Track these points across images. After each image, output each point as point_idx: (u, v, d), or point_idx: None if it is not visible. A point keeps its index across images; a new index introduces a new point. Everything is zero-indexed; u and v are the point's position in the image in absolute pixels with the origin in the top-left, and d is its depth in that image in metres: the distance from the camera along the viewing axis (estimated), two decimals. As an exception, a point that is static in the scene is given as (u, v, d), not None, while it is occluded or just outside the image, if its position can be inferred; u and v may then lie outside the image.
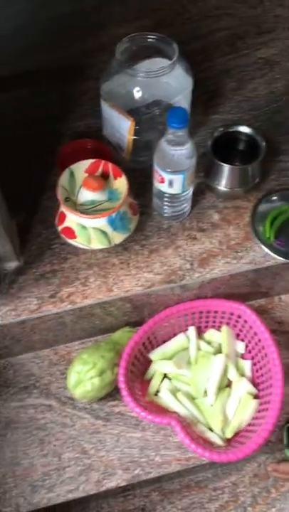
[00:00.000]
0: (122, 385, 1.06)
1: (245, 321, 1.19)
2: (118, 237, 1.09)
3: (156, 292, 1.12)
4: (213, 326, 1.24)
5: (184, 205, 1.15)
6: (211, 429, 1.10)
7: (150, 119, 1.18)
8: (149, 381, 1.17)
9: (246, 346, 1.21)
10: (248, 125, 1.18)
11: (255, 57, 1.51)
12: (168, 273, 1.12)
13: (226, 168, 1.13)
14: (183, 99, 1.20)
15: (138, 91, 1.12)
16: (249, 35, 1.57)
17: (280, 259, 1.12)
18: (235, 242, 1.16)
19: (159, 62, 1.13)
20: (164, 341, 1.20)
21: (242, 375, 1.17)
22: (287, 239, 1.16)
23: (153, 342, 1.18)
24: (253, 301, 1.30)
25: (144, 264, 1.13)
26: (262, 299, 1.30)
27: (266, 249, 1.13)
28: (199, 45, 1.53)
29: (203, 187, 1.23)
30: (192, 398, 1.14)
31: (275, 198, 1.20)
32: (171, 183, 1.06)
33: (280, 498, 1.25)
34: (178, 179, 1.05)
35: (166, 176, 1.04)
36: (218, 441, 1.07)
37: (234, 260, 1.13)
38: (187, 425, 1.07)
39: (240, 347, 1.21)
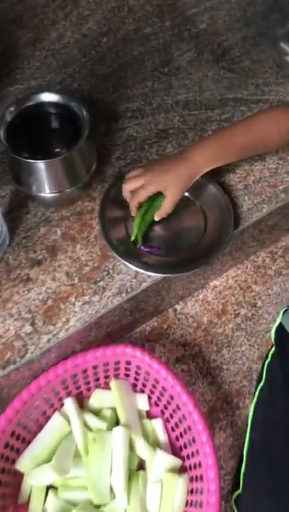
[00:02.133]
0: None
1: (139, 367, 0.83)
2: None
3: (-7, 382, 0.71)
4: (98, 385, 0.86)
5: (-3, 235, 0.74)
6: None
7: None
8: (27, 504, 0.77)
9: (149, 397, 0.85)
10: (58, 91, 0.78)
11: (49, -7, 1.09)
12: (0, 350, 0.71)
13: (40, 165, 0.72)
14: None
15: None
16: None
17: (158, 276, 0.76)
18: (90, 268, 0.77)
19: None
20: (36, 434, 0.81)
21: (155, 444, 0.82)
22: (160, 240, 0.79)
23: (17, 445, 0.78)
24: (144, 326, 0.94)
25: None
26: (153, 319, 0.94)
27: (134, 267, 0.75)
28: None
29: (20, 197, 0.81)
30: (96, 508, 0.77)
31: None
32: None
33: None
34: None
35: None
36: None
37: (95, 296, 0.75)
38: None
39: (142, 402, 0.86)
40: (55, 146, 0.81)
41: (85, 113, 0.73)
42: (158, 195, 0.82)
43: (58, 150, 0.80)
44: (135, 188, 0.75)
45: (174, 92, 0.96)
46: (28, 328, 0.72)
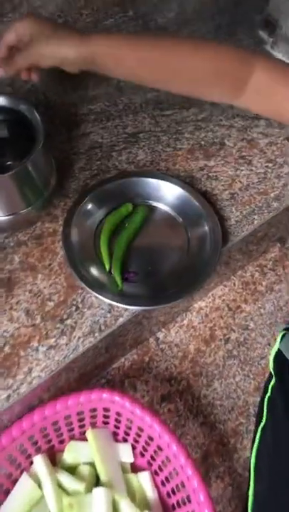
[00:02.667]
0: None
1: (119, 414, 0.71)
2: None
3: None
4: (72, 437, 0.74)
5: None
6: None
7: None
8: None
9: (134, 447, 0.73)
10: (4, 92, 0.64)
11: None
12: None
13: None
14: None
15: None
16: None
17: (136, 309, 0.63)
18: (55, 303, 0.64)
19: None
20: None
21: (143, 504, 0.69)
22: (138, 264, 0.67)
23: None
24: (122, 360, 0.81)
25: None
26: (132, 352, 0.82)
27: (108, 300, 0.63)
28: None
29: None
30: None
31: (94, 201, 0.70)
32: None
33: None
34: None
35: None
36: None
37: (63, 338, 0.62)
38: None
39: (126, 453, 0.73)
40: (5, 160, 0.68)
41: (37, 117, 0.60)
42: (134, 212, 0.70)
43: (9, 163, 0.67)
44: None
45: (143, 90, 0.84)
46: (-19, 384, 0.59)
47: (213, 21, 0.93)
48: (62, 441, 0.73)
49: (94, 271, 0.66)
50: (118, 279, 0.64)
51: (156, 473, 0.72)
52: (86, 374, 0.74)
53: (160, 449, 0.68)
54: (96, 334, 0.62)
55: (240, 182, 0.76)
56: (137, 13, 0.93)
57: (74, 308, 0.64)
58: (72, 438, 0.74)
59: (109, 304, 0.64)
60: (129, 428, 0.72)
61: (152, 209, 0.72)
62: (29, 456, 0.70)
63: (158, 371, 0.81)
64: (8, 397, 0.59)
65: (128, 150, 0.77)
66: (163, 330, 0.85)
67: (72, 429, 0.73)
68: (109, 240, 0.68)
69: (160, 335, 0.84)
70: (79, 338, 0.62)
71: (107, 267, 0.66)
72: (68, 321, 0.63)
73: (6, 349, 0.61)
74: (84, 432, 0.73)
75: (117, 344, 0.74)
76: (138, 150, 0.77)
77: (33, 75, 0.62)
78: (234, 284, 0.89)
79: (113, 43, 0.59)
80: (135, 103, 0.82)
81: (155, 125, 0.80)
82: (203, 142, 0.80)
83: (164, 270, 0.68)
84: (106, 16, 0.92)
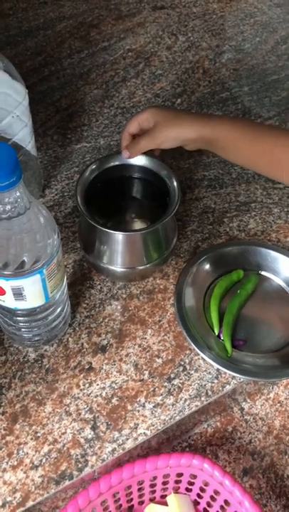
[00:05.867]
0: None
1: (206, 483, 0.69)
2: None
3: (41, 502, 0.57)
4: (152, 499, 0.72)
5: (59, 317, 0.62)
6: None
7: None
8: None
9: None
10: (148, 154, 0.69)
11: (121, 50, 1.03)
12: (52, 461, 0.57)
13: (118, 237, 0.61)
14: (17, 123, 0.67)
15: None
16: (105, 22, 1.10)
17: (245, 379, 0.63)
18: (163, 360, 0.65)
19: None
20: None
21: None
22: (247, 333, 0.68)
23: None
24: (204, 426, 0.79)
25: None
26: (216, 418, 0.80)
27: (216, 364, 0.63)
28: (33, 42, 1.02)
29: (84, 268, 0.71)
30: None
31: (207, 264, 0.71)
32: (19, 292, 0.52)
33: None
34: (31, 283, 0.51)
35: (5, 284, 0.51)
36: None
37: (169, 398, 0.62)
38: None
39: (207, 524, 0.70)
40: (131, 214, 0.71)
41: (175, 184, 0.63)
42: (246, 279, 0.71)
43: (135, 220, 0.70)
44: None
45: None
46: (88, 433, 0.59)
47: None
48: (142, 503, 0.71)
49: (203, 333, 0.66)
50: (228, 345, 0.65)
51: None
52: (170, 436, 0.73)
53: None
54: (202, 399, 0.62)
55: None
56: (251, 89, 0.98)
57: (181, 368, 0.64)
58: (152, 500, 0.72)
59: (217, 369, 0.64)
60: (214, 500, 0.69)
61: (263, 278, 0.73)
62: (106, 514, 0.68)
63: (241, 443, 0.79)
64: (114, 450, 0.58)
65: (239, 218, 0.79)
66: (248, 400, 0.83)
67: (154, 491, 0.71)
68: (219, 305, 0.69)
69: (245, 405, 0.82)
70: (185, 400, 0.62)
71: (216, 331, 0.66)
72: (175, 381, 0.63)
73: (114, 401, 0.61)
74: (164, 496, 0.71)
75: (204, 409, 0.73)
76: (249, 219, 0.79)
77: (156, 152, 0.69)
78: None
79: (236, 130, 0.64)
80: (248, 173, 0.85)
81: (267, 197, 0.82)
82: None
83: (273, 343, 0.67)
84: (222, 89, 0.97)
